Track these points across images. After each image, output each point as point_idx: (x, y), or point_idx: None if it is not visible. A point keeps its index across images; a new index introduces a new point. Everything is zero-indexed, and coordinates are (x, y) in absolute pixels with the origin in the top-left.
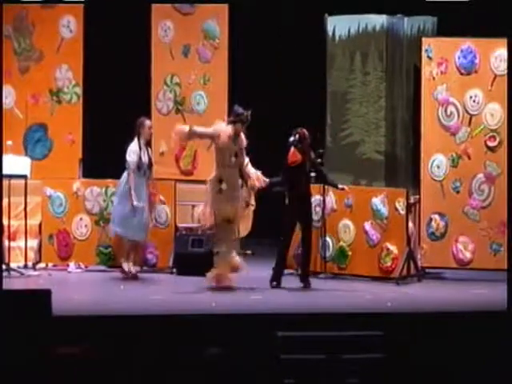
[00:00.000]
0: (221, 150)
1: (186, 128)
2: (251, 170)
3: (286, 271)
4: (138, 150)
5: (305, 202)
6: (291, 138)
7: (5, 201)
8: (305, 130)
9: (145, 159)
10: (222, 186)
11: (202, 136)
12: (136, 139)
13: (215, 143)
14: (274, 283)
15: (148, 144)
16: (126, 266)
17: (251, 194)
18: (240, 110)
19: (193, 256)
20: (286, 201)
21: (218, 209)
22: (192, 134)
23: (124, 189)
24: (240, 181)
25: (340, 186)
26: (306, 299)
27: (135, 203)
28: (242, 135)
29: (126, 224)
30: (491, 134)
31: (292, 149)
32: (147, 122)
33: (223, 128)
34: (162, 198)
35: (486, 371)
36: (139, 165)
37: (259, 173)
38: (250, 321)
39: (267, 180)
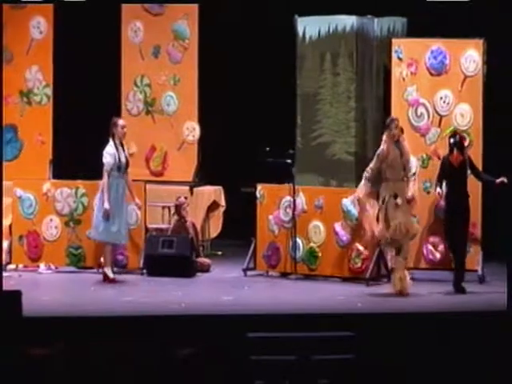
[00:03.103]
0: (390, 166)
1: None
2: (412, 188)
3: (255, 272)
4: (115, 151)
5: (465, 202)
6: (452, 140)
7: None
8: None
9: (122, 159)
10: (398, 201)
11: (378, 170)
12: (111, 140)
13: (385, 161)
14: (458, 288)
15: (122, 144)
16: (109, 271)
17: (221, 194)
18: (388, 119)
19: (163, 257)
20: (445, 202)
21: (400, 223)
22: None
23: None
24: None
25: (498, 180)
26: (277, 300)
27: (105, 205)
28: (407, 147)
29: (108, 229)
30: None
31: (455, 150)
32: (120, 122)
33: (384, 142)
34: (137, 201)
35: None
36: (119, 166)
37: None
38: (221, 322)
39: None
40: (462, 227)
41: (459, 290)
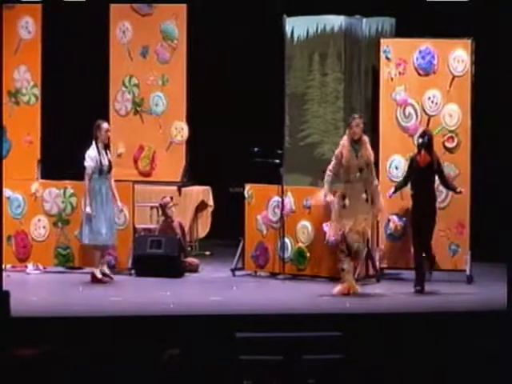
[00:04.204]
0: (344, 166)
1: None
2: (378, 197)
3: (244, 272)
4: (97, 154)
5: (431, 203)
6: (420, 140)
7: None
8: (431, 130)
9: (104, 162)
10: (346, 202)
11: (336, 173)
12: (94, 143)
13: (341, 162)
14: (418, 288)
15: (107, 147)
16: (98, 272)
17: (209, 194)
18: (350, 117)
19: (151, 257)
20: (411, 202)
21: (344, 224)
22: (330, 185)
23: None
24: (364, 195)
25: (458, 189)
26: (265, 300)
27: (87, 209)
28: (368, 149)
29: (95, 232)
30: (449, 134)
31: (423, 150)
32: (104, 125)
33: (342, 142)
34: (119, 204)
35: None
36: (100, 169)
37: (382, 201)
38: (209, 322)
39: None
40: (428, 228)
41: (420, 290)
